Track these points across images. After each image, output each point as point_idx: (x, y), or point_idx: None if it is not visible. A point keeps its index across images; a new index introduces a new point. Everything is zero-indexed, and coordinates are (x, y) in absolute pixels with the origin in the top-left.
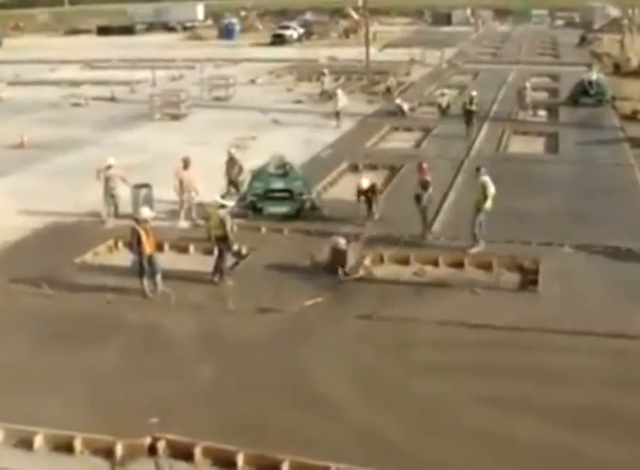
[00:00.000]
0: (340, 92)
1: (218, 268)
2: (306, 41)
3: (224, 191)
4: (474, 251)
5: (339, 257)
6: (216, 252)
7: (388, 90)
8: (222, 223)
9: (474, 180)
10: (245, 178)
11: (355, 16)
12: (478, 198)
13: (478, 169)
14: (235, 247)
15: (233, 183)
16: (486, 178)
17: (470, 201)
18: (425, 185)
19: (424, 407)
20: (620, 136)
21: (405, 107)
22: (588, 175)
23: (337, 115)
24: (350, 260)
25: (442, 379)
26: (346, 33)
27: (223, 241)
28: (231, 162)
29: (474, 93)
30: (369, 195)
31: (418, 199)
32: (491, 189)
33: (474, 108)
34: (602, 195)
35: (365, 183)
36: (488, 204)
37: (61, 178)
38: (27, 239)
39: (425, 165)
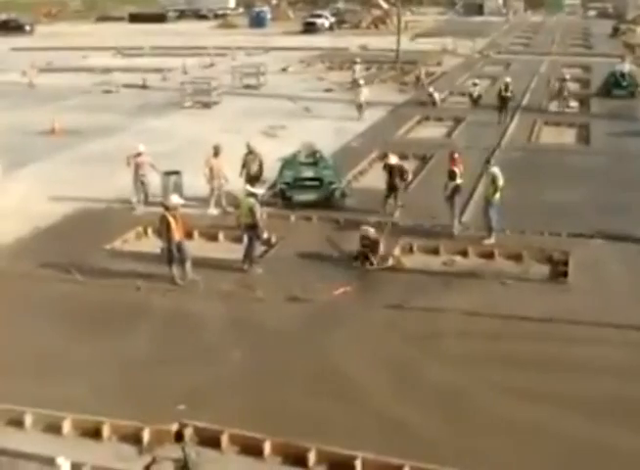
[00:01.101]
0: (362, 83)
1: (248, 256)
2: (338, 30)
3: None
4: (487, 242)
5: (369, 245)
6: (246, 240)
7: (418, 80)
8: (252, 211)
9: (485, 171)
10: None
11: (385, 5)
12: (487, 190)
13: (487, 161)
14: (264, 235)
15: (253, 179)
16: (496, 170)
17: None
18: (452, 175)
19: (451, 397)
20: None
21: (437, 96)
22: (619, 167)
23: (359, 107)
24: (381, 250)
25: (470, 369)
26: (375, 23)
27: (253, 229)
28: (251, 155)
29: (508, 80)
30: (395, 181)
31: (445, 187)
32: (500, 181)
33: (509, 94)
34: (633, 187)
35: (394, 159)
36: (497, 196)
37: (91, 165)
38: (58, 225)
39: (456, 155)
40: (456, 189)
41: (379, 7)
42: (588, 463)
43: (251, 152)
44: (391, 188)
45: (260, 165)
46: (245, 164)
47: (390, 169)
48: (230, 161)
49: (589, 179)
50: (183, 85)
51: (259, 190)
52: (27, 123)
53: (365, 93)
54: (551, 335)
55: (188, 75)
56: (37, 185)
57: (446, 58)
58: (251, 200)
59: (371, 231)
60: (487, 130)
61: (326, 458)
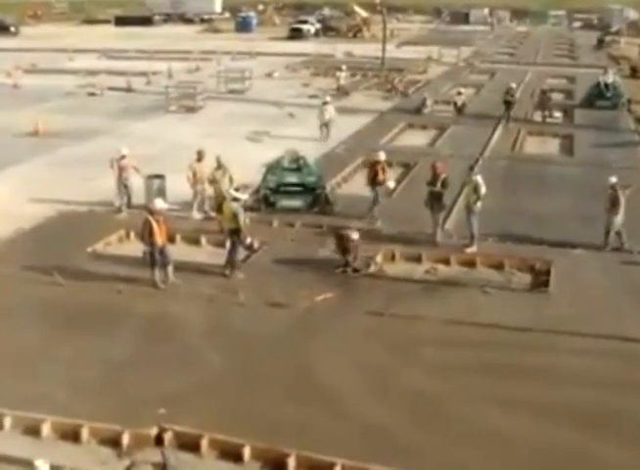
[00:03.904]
0: (328, 99)
1: (230, 261)
2: (323, 36)
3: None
4: (469, 250)
5: (346, 245)
6: (228, 245)
7: (392, 87)
8: (235, 216)
9: (468, 179)
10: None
11: (363, 13)
12: (468, 197)
13: (471, 169)
14: (247, 240)
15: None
16: (479, 178)
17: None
18: (444, 183)
19: (430, 405)
20: (635, 139)
21: (429, 103)
22: (602, 178)
23: (325, 126)
24: (355, 251)
25: (450, 377)
26: (353, 32)
27: (236, 234)
28: (219, 170)
29: (513, 85)
30: (378, 179)
31: (437, 196)
32: (483, 189)
33: (510, 98)
34: None
35: (382, 156)
36: (479, 204)
37: (74, 167)
38: (40, 227)
39: (439, 164)
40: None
41: (356, 14)
42: None
43: (219, 167)
44: (374, 186)
45: (230, 181)
46: (213, 181)
47: (375, 166)
48: (213, 165)
49: (572, 189)
50: (168, 89)
51: (243, 195)
52: (11, 125)
53: (330, 111)
54: (531, 344)
55: (173, 79)
56: (20, 187)
57: (431, 66)
58: (235, 204)
59: (352, 233)
60: (471, 139)
61: (305, 464)
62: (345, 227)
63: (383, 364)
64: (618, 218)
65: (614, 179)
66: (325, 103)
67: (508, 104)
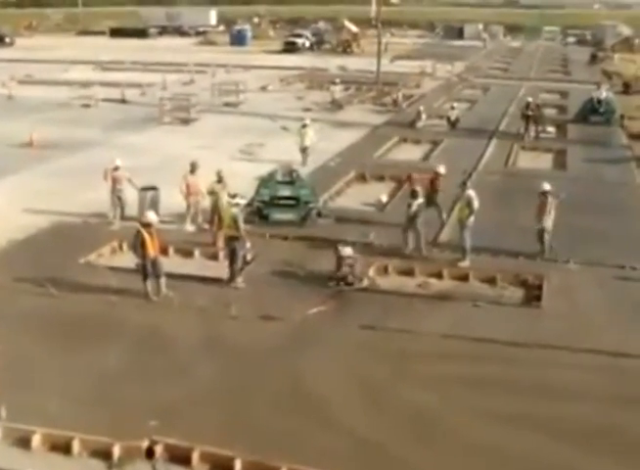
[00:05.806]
0: (308, 122)
1: (235, 272)
2: (318, 50)
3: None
4: (462, 264)
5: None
6: (223, 255)
7: (395, 102)
8: (235, 222)
9: (461, 194)
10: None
11: (353, 28)
12: (461, 212)
13: (464, 183)
14: (247, 244)
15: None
16: (472, 193)
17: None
18: (413, 194)
19: (421, 418)
20: (628, 155)
21: (423, 117)
22: (595, 193)
23: (303, 151)
24: (356, 270)
25: (441, 391)
26: (343, 47)
27: (235, 241)
28: (219, 184)
29: (530, 99)
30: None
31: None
32: (476, 204)
33: (530, 113)
34: (608, 213)
35: (442, 169)
36: (472, 218)
37: (68, 178)
38: (33, 238)
39: (415, 176)
40: (419, 209)
41: (346, 29)
42: None
43: (220, 180)
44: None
45: (229, 195)
46: (212, 192)
47: (436, 180)
48: (207, 177)
49: (565, 205)
50: (162, 101)
51: (242, 200)
52: (5, 135)
53: (310, 135)
54: (523, 359)
55: (167, 91)
56: (14, 197)
57: (425, 80)
58: (235, 210)
59: (347, 250)
60: (465, 153)
61: None
62: (339, 244)
63: (375, 378)
64: (548, 225)
65: (546, 186)
66: (304, 126)
67: (527, 118)
